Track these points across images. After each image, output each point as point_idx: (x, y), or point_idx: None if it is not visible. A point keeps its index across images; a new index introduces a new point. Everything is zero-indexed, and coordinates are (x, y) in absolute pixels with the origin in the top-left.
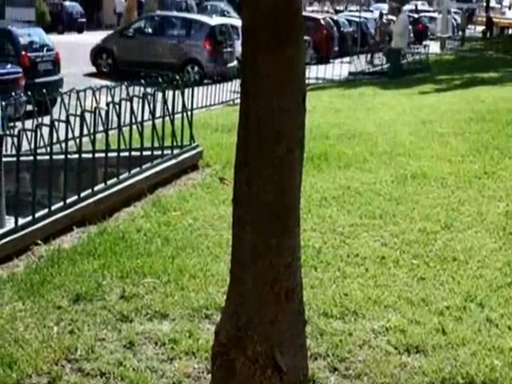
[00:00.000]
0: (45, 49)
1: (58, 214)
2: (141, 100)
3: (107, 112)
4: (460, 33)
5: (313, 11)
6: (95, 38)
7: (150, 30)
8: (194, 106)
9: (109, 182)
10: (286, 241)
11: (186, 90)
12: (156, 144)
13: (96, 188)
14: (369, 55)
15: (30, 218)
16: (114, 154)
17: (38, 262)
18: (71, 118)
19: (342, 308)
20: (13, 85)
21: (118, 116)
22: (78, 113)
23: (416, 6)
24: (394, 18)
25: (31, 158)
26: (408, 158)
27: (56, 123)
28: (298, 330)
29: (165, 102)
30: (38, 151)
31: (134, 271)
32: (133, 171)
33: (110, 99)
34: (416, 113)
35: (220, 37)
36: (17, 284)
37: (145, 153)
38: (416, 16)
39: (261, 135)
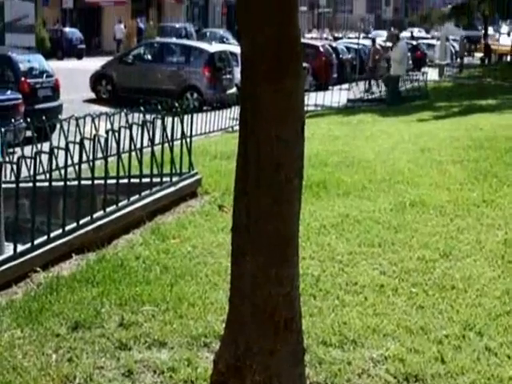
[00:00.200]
0: (44, 75)
1: (57, 241)
2: (140, 127)
3: (106, 139)
4: (458, 60)
5: (312, 38)
6: (95, 64)
7: (149, 57)
8: (194, 133)
9: (108, 209)
10: (285, 270)
11: (186, 117)
12: (155, 171)
13: (95, 215)
14: (366, 83)
15: (29, 245)
16: (113, 181)
17: (36, 290)
18: (70, 145)
19: (340, 336)
20: (12, 111)
21: (118, 143)
22: (78, 140)
23: (412, 32)
24: (388, 44)
25: (30, 184)
26: (407, 185)
27: (55, 150)
28: (297, 359)
29: (164, 128)
30: (38, 178)
31: (132, 299)
32: (132, 198)
33: (109, 126)
34: (415, 140)
35: (219, 64)
36: (15, 311)
37: (144, 180)
38: (414, 43)
39: (260, 165)
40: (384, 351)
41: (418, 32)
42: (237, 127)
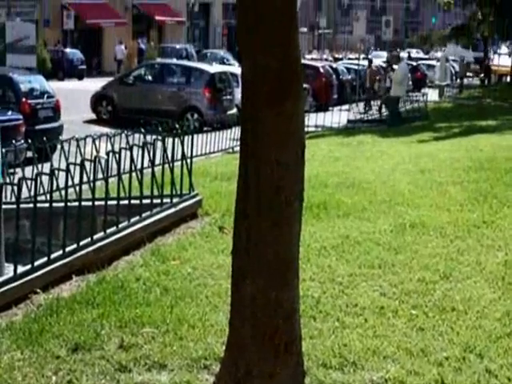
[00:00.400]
0: (45, 96)
1: (58, 263)
2: (140, 148)
3: (107, 160)
4: (458, 80)
5: (312, 59)
6: (95, 84)
7: (149, 78)
8: (194, 154)
9: (108, 231)
10: (286, 293)
11: (186, 138)
12: (155, 192)
13: (95, 236)
14: (364, 104)
15: (29, 267)
16: (114, 202)
17: (36, 311)
18: (71, 166)
19: (341, 359)
20: (13, 132)
21: (118, 164)
22: (78, 161)
23: (409, 53)
24: (381, 64)
25: (31, 205)
26: (407, 207)
27: (56, 171)
28: (297, 382)
29: (164, 150)
30: (38, 198)
31: (132, 321)
32: (132, 220)
33: (109, 147)
34: (415, 161)
35: (220, 84)
36: (15, 333)
37: (144, 201)
38: (414, 64)
39: (260, 188)
40: (384, 373)
41: (415, 53)
42: (237, 148)
